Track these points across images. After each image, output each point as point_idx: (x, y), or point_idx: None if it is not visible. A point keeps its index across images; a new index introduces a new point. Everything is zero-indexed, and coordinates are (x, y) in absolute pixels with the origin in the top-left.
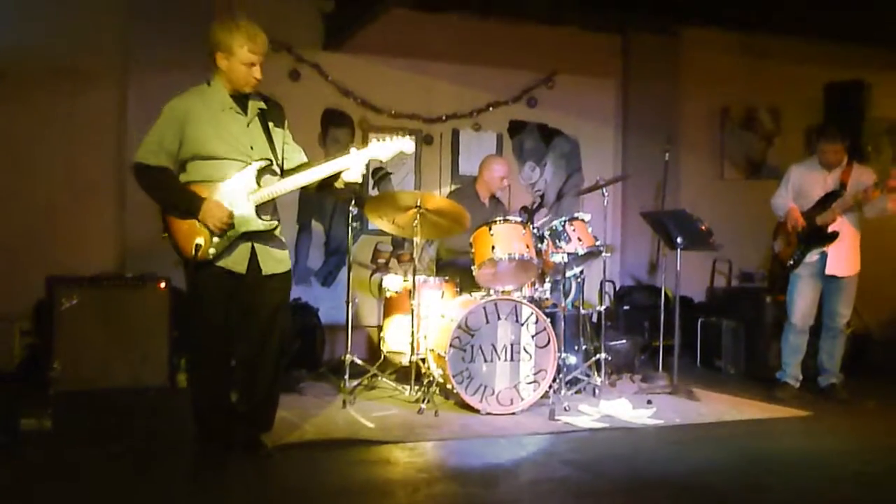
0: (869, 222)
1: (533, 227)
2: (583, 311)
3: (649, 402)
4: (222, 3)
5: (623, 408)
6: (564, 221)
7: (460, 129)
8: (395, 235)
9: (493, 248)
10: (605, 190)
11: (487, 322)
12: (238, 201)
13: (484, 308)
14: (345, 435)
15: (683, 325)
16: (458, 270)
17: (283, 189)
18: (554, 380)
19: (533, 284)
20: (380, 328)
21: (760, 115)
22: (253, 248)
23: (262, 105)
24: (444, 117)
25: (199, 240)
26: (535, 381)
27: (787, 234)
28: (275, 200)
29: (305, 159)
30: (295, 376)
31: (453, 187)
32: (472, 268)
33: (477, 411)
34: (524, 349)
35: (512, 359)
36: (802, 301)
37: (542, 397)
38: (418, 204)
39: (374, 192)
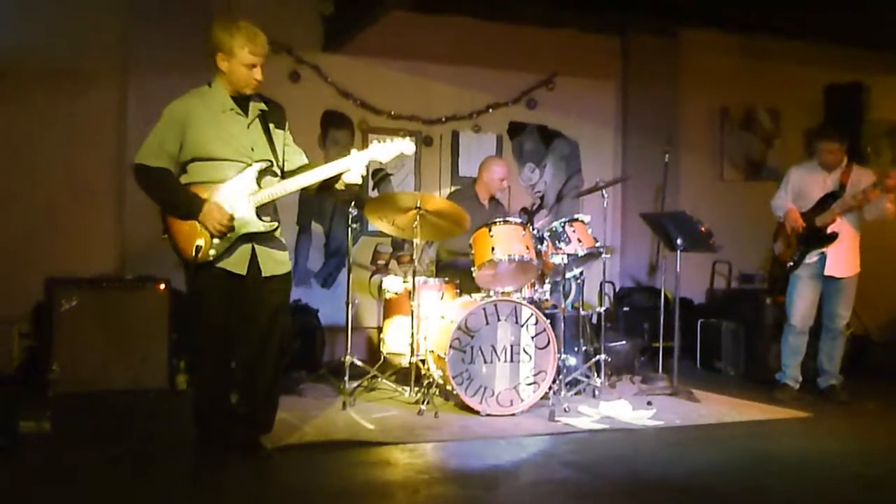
0: (868, 224)
1: (533, 229)
2: (582, 313)
3: (649, 403)
4: (222, 4)
5: (623, 409)
6: (564, 223)
7: (460, 130)
8: (395, 237)
9: (492, 249)
10: (604, 191)
11: (487, 323)
12: (238, 202)
13: (484, 309)
14: (345, 436)
15: (683, 326)
16: (457, 272)
17: (284, 190)
18: (554, 381)
19: (533, 286)
20: (380, 329)
21: (760, 116)
22: (253, 249)
23: (263, 106)
24: (443, 119)
25: (200, 241)
26: (534, 383)
27: (786, 235)
28: (275, 202)
29: (306, 161)
30: (295, 378)
31: (453, 189)
32: (472, 269)
33: (477, 412)
34: (524, 350)
35: (512, 360)
36: (802, 302)
37: (541, 399)
38: (418, 205)
39: (374, 194)
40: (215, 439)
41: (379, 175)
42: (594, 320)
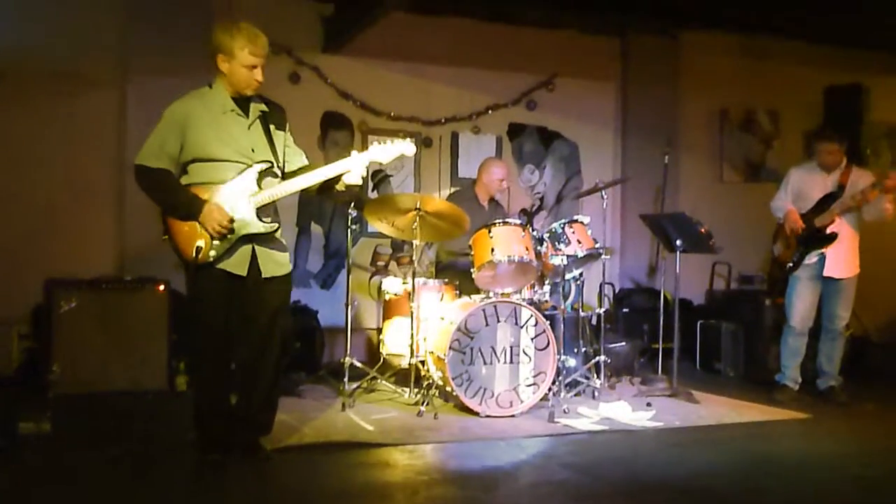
0: (868, 225)
1: (532, 230)
2: (582, 314)
3: (649, 404)
4: (222, 5)
5: (622, 410)
6: (564, 224)
7: (459, 131)
8: (395, 238)
9: (492, 250)
10: (604, 192)
11: (487, 324)
12: (239, 203)
13: (483, 310)
14: (344, 438)
15: (683, 327)
16: (457, 273)
17: (284, 191)
18: (553, 382)
19: (532, 287)
20: (379, 331)
21: (760, 117)
22: (254, 250)
23: (264, 107)
24: (443, 120)
25: (200, 242)
26: (534, 384)
27: (786, 236)
28: (275, 203)
29: (307, 162)
30: (294, 379)
31: (452, 190)
32: (472, 270)
33: (476, 414)
34: (523, 352)
35: (511, 361)
36: (801, 303)
37: (541, 400)
38: (418, 206)
39: (373, 195)
40: (215, 441)
41: (378, 176)
42: (594, 321)
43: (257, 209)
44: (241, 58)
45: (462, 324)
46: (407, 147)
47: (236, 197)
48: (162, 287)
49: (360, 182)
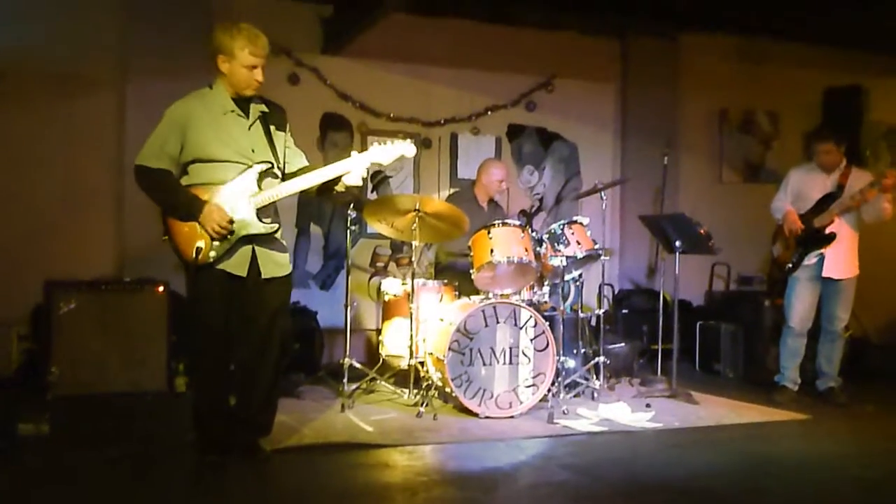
0: (867, 225)
1: (532, 231)
2: (581, 315)
3: (648, 405)
4: (222, 6)
5: (622, 411)
6: (563, 225)
7: (459, 132)
8: (394, 239)
9: (491, 251)
10: (603, 194)
11: (486, 325)
12: (239, 204)
13: (483, 311)
14: (343, 439)
15: (682, 328)
16: (456, 274)
17: (285, 192)
18: (553, 383)
19: (532, 288)
20: (378, 332)
21: (759, 118)
22: (254, 251)
23: (264, 108)
24: (442, 121)
25: (200, 243)
26: (533, 385)
27: (785, 237)
28: (275, 203)
29: (307, 163)
30: (293, 380)
31: (452, 191)
32: (471, 271)
33: (476, 415)
34: (523, 353)
35: (511, 362)
36: (801, 304)
37: (540, 401)
38: (417, 207)
39: (372, 196)
40: (214, 442)
41: (378, 177)
42: (593, 322)
43: (257, 210)
44: (241, 58)
45: (461, 325)
46: (407, 148)
47: (236, 197)
48: (161, 288)
49: (359, 183)
